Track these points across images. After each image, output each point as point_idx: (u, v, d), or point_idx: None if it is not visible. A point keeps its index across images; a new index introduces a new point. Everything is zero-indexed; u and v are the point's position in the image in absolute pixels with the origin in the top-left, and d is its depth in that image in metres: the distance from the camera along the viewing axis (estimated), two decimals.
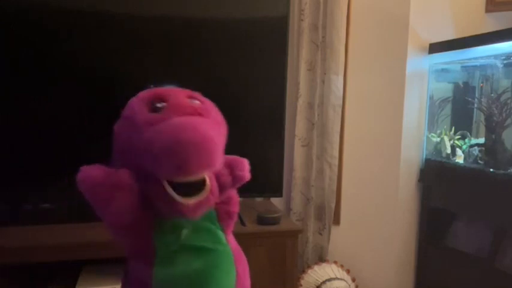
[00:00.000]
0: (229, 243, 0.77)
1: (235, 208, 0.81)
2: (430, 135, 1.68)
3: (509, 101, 1.37)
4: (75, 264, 1.32)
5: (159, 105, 0.68)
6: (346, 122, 1.70)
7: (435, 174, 1.61)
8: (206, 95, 0.76)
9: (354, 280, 1.63)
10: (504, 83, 1.49)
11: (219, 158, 0.62)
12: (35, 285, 1.35)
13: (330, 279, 1.57)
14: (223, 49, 1.47)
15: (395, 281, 1.71)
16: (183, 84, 1.59)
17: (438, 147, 1.65)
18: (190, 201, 0.64)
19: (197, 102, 0.72)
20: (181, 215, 0.66)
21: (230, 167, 0.74)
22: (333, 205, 1.70)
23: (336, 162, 1.67)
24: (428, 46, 1.61)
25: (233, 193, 0.79)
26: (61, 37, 1.35)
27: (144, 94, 0.73)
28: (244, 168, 0.75)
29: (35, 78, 1.34)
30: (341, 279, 1.59)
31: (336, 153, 1.66)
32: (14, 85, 1.33)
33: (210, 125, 0.65)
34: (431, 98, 1.67)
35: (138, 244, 0.70)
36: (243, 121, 1.48)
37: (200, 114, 0.69)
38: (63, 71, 1.36)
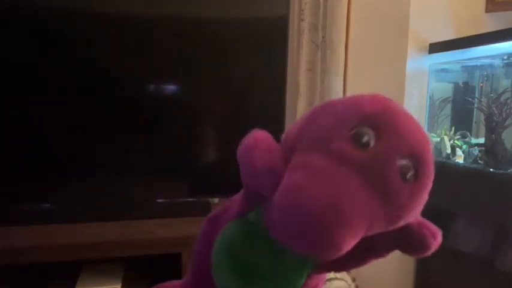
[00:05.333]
0: None
1: None
2: (430, 135, 1.68)
3: (509, 101, 1.37)
4: (75, 264, 1.32)
5: (365, 138, 0.49)
6: None
7: (435, 174, 1.60)
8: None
9: (354, 280, 1.62)
10: (504, 83, 1.49)
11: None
12: (35, 285, 1.35)
13: (330, 279, 1.57)
14: (223, 49, 1.47)
15: (395, 281, 1.70)
16: (181, 84, 1.59)
17: (438, 147, 1.65)
18: None
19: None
20: None
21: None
22: None
23: None
24: (428, 46, 1.61)
25: None
26: (61, 36, 1.35)
27: (354, 107, 0.53)
28: None
29: (34, 77, 1.34)
30: (341, 279, 1.59)
31: None
32: (13, 85, 1.33)
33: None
34: (431, 98, 1.67)
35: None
36: (242, 121, 1.48)
37: None
38: (62, 71, 1.36)
